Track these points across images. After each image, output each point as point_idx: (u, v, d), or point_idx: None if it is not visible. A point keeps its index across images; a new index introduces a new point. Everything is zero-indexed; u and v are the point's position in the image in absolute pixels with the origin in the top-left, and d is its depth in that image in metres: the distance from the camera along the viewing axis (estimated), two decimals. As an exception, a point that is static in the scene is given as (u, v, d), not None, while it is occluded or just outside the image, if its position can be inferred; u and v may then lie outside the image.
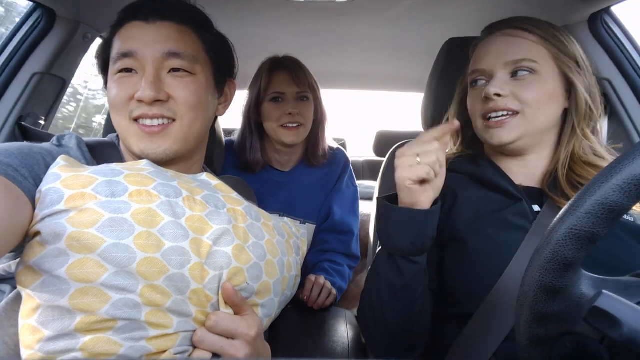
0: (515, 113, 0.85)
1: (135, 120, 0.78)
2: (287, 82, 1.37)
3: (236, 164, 1.45)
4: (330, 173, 1.50)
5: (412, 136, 1.21)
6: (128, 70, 0.79)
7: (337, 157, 1.53)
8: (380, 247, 0.83)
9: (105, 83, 0.85)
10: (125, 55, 0.78)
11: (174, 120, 0.80)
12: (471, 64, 0.94)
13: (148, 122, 0.78)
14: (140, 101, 0.77)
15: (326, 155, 1.49)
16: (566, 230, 0.47)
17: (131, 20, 0.81)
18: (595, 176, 0.47)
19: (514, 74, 0.86)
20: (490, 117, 0.87)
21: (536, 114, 0.85)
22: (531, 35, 0.87)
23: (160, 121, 0.78)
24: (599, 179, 0.46)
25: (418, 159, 0.73)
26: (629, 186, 0.45)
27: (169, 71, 0.79)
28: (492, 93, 0.84)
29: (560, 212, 0.49)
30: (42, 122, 1.47)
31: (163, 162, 0.79)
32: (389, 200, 0.81)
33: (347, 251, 1.42)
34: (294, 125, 1.37)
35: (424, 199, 0.77)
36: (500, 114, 0.85)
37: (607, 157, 0.90)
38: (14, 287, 0.68)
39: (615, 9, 1.30)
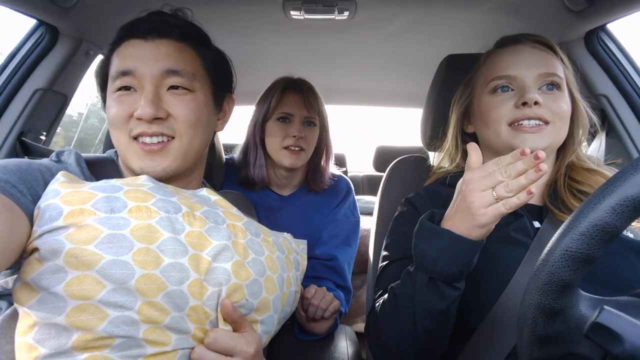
0: (546, 123, 0.86)
1: (135, 138, 0.79)
2: (298, 105, 1.36)
3: (236, 180, 1.43)
4: (329, 201, 1.47)
5: (411, 151, 1.22)
6: (127, 88, 0.79)
7: (339, 185, 1.50)
8: (412, 269, 0.78)
9: (104, 100, 0.85)
10: (124, 73, 0.79)
11: (173, 137, 0.80)
12: (494, 70, 0.92)
13: (147, 139, 0.78)
14: (139, 119, 0.77)
15: (327, 182, 1.47)
16: (562, 252, 0.47)
17: (130, 38, 0.81)
18: (588, 198, 0.48)
19: (541, 87, 0.87)
20: (521, 124, 0.86)
21: (562, 127, 0.88)
22: (556, 55, 0.91)
23: (160, 139, 0.79)
24: (592, 201, 0.47)
25: (494, 194, 0.67)
26: (621, 207, 0.45)
27: (168, 89, 0.80)
28: (534, 100, 0.84)
29: (556, 234, 0.49)
30: (43, 137, 1.47)
31: (162, 179, 0.79)
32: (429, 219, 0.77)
33: (335, 278, 1.36)
34: (296, 149, 1.35)
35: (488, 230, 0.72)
36: (533, 122, 0.85)
37: (597, 167, 0.93)
38: (11, 304, 0.68)
39: (611, 27, 1.32)
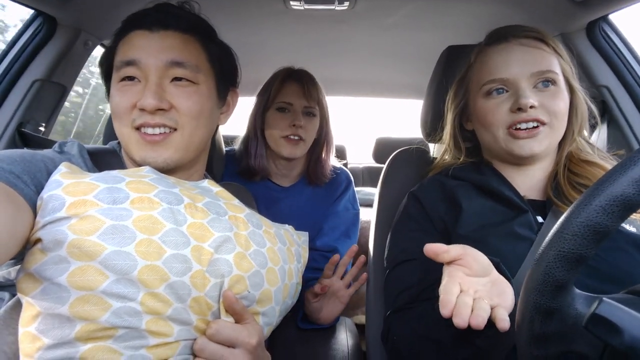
0: (543, 124, 0.85)
1: (137, 128, 0.78)
2: (297, 94, 1.36)
3: (236, 171, 1.43)
4: (330, 193, 1.47)
5: (411, 143, 1.22)
6: (131, 78, 0.79)
7: (339, 177, 1.49)
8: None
9: (108, 90, 0.85)
10: (128, 63, 0.78)
11: (175, 129, 0.79)
12: (485, 72, 0.91)
13: (150, 130, 0.78)
14: (142, 109, 0.77)
15: (328, 175, 1.46)
16: (555, 253, 0.47)
17: (135, 29, 0.81)
18: (579, 199, 0.48)
19: (536, 85, 0.86)
20: (518, 128, 0.86)
21: (560, 124, 0.87)
22: (547, 46, 0.89)
23: (162, 130, 0.78)
24: (583, 201, 0.47)
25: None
26: (611, 207, 0.45)
27: (172, 80, 0.79)
28: (529, 105, 0.83)
29: (549, 234, 0.49)
30: (42, 128, 1.47)
31: (164, 170, 0.78)
32: None
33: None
34: (295, 138, 1.35)
35: None
36: (530, 124, 0.85)
37: (597, 158, 0.92)
38: (13, 295, 0.68)
39: (613, 17, 1.32)
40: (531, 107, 0.83)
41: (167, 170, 0.80)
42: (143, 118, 0.77)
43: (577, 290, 0.51)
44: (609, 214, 0.45)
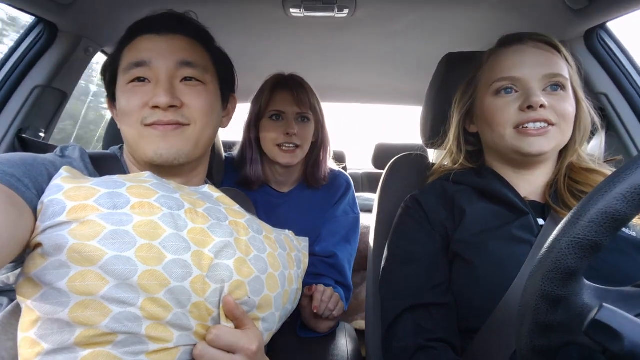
0: (552, 124, 0.85)
1: (149, 126, 0.79)
2: (288, 102, 1.36)
3: (235, 179, 1.43)
4: (329, 197, 1.46)
5: (411, 149, 1.22)
6: (141, 79, 0.81)
7: (338, 180, 1.49)
8: None
9: (113, 97, 0.86)
10: (138, 64, 0.80)
11: (188, 124, 0.81)
12: (497, 71, 0.91)
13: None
14: (155, 107, 0.78)
15: (326, 178, 1.46)
16: (569, 239, 0.47)
17: (142, 34, 0.83)
18: (599, 185, 0.47)
19: (545, 89, 0.87)
20: (526, 127, 0.86)
21: (568, 128, 0.88)
22: (559, 53, 0.90)
23: (175, 126, 0.80)
24: (602, 188, 0.47)
25: None
26: (632, 195, 0.45)
27: (181, 80, 0.82)
28: (540, 103, 0.83)
29: (563, 221, 0.49)
30: (42, 134, 1.47)
31: (172, 165, 0.80)
32: None
33: (335, 276, 1.35)
34: (290, 146, 1.35)
35: None
36: (538, 124, 0.85)
37: (598, 166, 0.93)
38: (12, 300, 0.68)
39: (610, 25, 1.33)
40: (541, 106, 0.84)
41: (176, 165, 0.81)
42: (156, 116, 0.79)
43: (586, 281, 0.51)
44: (629, 201, 0.45)
